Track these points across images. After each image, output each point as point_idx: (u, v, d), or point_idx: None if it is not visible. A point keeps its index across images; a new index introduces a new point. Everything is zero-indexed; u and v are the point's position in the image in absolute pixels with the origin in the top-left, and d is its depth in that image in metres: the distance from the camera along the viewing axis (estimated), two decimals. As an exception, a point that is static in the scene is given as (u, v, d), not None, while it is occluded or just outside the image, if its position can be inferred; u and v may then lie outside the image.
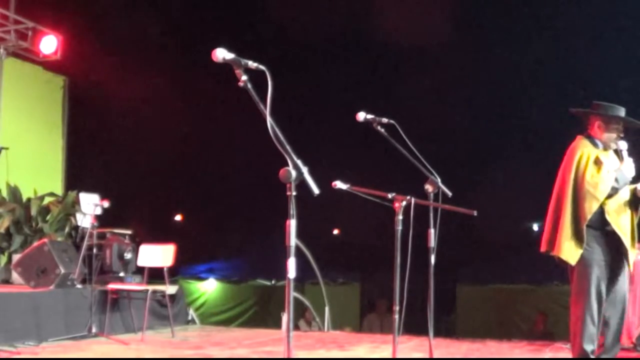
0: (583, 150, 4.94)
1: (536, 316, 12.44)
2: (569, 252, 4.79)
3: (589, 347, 4.76)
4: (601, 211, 4.81)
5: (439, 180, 4.92)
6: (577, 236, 4.78)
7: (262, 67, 3.05)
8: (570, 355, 6.45)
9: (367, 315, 13.25)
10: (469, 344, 7.28)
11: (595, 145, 5.00)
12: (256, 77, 3.05)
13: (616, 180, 4.82)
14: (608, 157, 4.99)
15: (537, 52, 13.02)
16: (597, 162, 4.88)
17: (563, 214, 4.84)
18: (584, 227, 4.77)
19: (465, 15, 13.20)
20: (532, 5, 12.88)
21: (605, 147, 5.01)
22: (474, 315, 14.40)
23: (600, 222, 4.83)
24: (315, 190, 2.96)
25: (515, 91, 13.86)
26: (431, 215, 4.97)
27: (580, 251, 4.77)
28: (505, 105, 13.95)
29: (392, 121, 4.90)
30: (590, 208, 4.76)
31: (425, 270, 4.98)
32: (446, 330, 13.12)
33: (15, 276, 8.05)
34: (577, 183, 4.84)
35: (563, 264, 4.96)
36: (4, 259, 9.18)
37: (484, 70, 13.39)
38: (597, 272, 4.81)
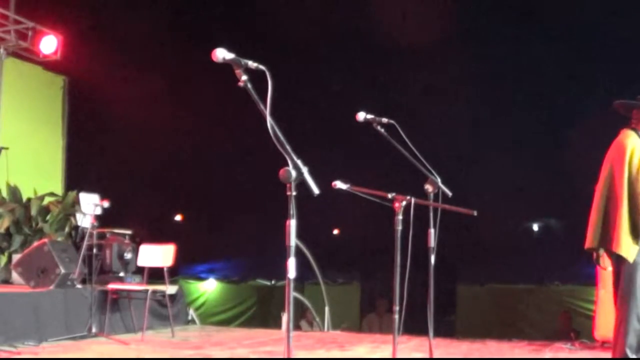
0: (634, 144, 4.79)
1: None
2: (627, 248, 4.64)
3: (632, 349, 4.64)
4: None
5: (439, 180, 4.91)
6: (634, 232, 4.65)
7: (262, 67, 3.05)
8: (569, 355, 6.49)
9: (367, 315, 13.24)
10: (469, 344, 7.28)
11: None
12: (256, 78, 3.05)
13: None
14: None
15: (536, 51, 13.02)
16: None
17: (619, 210, 4.69)
18: None
19: (464, 14, 13.20)
20: (531, 3, 12.88)
21: None
22: (474, 315, 14.40)
23: None
24: (315, 190, 2.96)
25: (515, 90, 13.86)
26: (431, 215, 4.97)
27: (637, 248, 4.64)
28: (505, 105, 13.95)
29: (392, 121, 4.89)
30: None
31: (425, 270, 4.98)
32: (446, 330, 13.11)
33: (15, 276, 8.04)
34: (632, 178, 4.70)
35: (601, 260, 4.80)
36: (4, 259, 9.17)
37: (484, 69, 13.39)
38: None
